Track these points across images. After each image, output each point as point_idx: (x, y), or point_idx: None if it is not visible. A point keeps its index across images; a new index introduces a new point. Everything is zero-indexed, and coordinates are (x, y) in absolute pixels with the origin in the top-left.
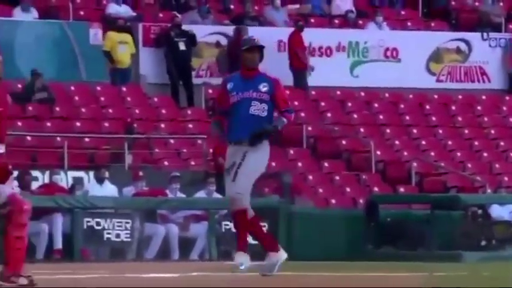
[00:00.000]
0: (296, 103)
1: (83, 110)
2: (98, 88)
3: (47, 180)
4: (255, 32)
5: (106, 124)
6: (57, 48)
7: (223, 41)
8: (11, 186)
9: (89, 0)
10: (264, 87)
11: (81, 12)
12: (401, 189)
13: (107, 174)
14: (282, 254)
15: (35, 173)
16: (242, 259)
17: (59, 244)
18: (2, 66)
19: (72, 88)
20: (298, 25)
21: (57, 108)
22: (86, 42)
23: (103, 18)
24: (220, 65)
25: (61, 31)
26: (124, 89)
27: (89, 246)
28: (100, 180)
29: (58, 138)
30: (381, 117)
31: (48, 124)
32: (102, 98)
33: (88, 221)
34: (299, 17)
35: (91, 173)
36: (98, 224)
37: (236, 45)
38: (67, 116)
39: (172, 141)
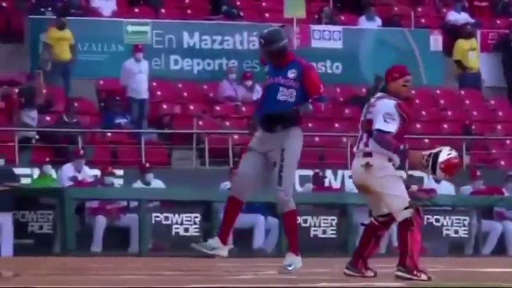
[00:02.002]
0: None
1: (423, 112)
2: (438, 92)
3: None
4: None
5: (445, 126)
6: (399, 55)
7: None
8: None
9: (429, 9)
10: (291, 74)
11: (422, 20)
12: None
13: None
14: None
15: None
16: (292, 260)
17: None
18: (410, 86)
19: (413, 92)
20: None
21: None
22: (426, 48)
23: (443, 26)
24: None
25: (403, 38)
26: (463, 92)
27: (428, 241)
28: (436, 180)
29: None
30: None
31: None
32: (442, 101)
33: (428, 218)
34: None
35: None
36: (437, 220)
37: None
38: None
39: (508, 141)
